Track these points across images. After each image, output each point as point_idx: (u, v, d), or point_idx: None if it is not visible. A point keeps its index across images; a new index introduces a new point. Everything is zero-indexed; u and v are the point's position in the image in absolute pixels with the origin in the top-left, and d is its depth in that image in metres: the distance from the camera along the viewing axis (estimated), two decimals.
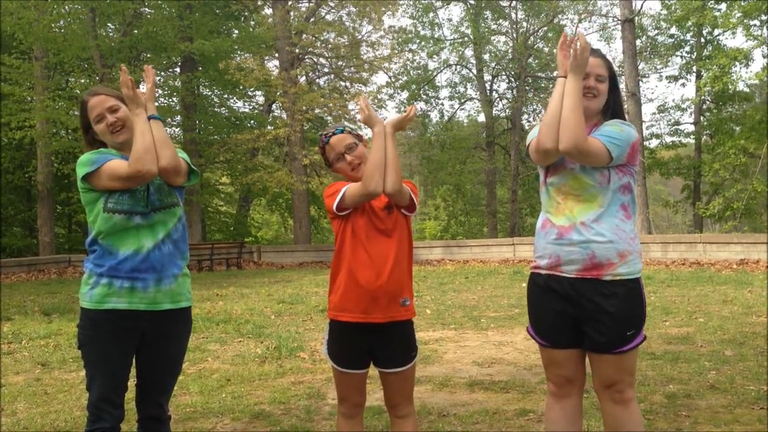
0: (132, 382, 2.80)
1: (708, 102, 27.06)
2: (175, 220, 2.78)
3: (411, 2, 30.11)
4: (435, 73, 31.46)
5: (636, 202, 2.79)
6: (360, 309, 2.72)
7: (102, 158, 2.68)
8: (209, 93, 27.79)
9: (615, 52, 64.02)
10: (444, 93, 44.44)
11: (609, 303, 2.62)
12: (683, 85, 31.36)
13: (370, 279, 2.71)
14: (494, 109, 31.37)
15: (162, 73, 26.19)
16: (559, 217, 2.71)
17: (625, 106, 21.02)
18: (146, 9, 23.72)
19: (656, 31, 28.55)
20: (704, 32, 26.27)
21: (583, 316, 2.67)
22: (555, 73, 2.88)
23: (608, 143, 2.60)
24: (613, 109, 2.79)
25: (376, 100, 24.95)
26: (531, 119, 32.33)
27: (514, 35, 30.03)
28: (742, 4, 20.11)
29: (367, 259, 2.72)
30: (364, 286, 2.71)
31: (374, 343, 2.77)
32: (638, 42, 25.88)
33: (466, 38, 30.74)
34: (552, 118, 2.61)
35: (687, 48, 27.90)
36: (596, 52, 2.76)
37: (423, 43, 30.71)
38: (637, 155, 2.74)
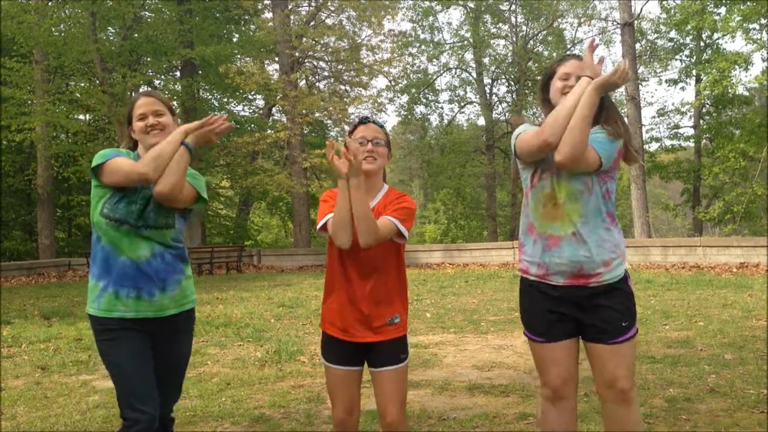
0: None
1: (708, 105, 27.06)
2: (167, 238, 2.80)
3: (411, 6, 30.19)
4: (435, 77, 31.53)
5: (615, 204, 2.82)
6: (349, 329, 2.75)
7: (114, 154, 2.73)
8: (209, 97, 27.82)
9: (615, 55, 63.97)
10: (444, 96, 44.64)
11: (600, 299, 2.70)
12: (683, 88, 31.40)
13: (358, 301, 2.73)
14: (494, 112, 31.39)
15: (162, 77, 26.23)
16: (546, 224, 2.73)
17: (625, 110, 21.06)
18: (146, 13, 23.75)
19: (656, 35, 28.60)
20: (704, 36, 26.29)
21: (576, 311, 2.73)
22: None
23: (600, 150, 2.63)
24: (606, 107, 2.75)
25: (376, 104, 24.96)
26: (531, 123, 32.29)
27: (514, 39, 30.08)
28: (742, 7, 20.15)
29: (355, 282, 2.75)
30: (352, 307, 2.74)
31: (364, 350, 2.79)
32: (638, 46, 25.92)
33: (465, 42, 30.79)
34: (565, 116, 2.58)
35: (686, 52, 27.93)
36: (580, 57, 2.78)
37: (423, 46, 30.78)
38: (620, 160, 2.78)
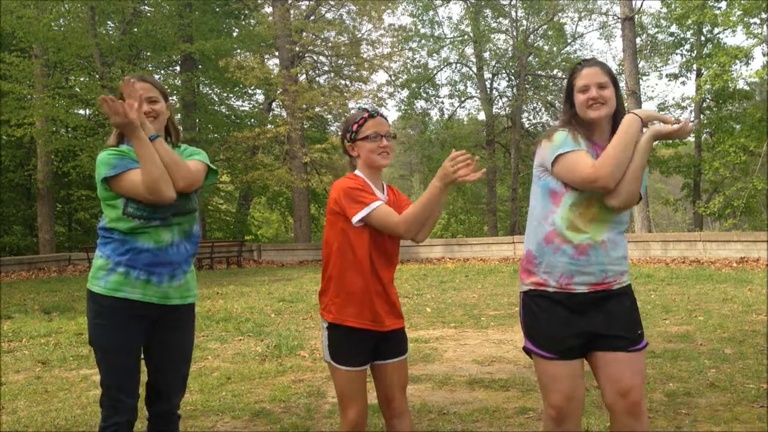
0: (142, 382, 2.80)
1: (708, 100, 27.00)
2: (192, 222, 2.84)
3: (411, 0, 30.10)
4: (435, 72, 31.45)
5: None
6: (381, 318, 2.70)
7: (124, 164, 2.66)
8: (209, 91, 27.76)
9: (615, 50, 63.89)
10: (444, 91, 44.42)
11: (618, 302, 2.67)
12: (683, 83, 31.40)
13: (386, 285, 2.73)
14: (494, 107, 31.34)
15: (162, 72, 26.19)
16: (577, 231, 2.64)
17: (626, 105, 21.03)
18: (146, 7, 23.70)
19: (656, 30, 28.51)
20: (704, 30, 26.22)
21: (594, 322, 2.65)
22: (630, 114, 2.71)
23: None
24: (618, 112, 2.73)
25: (376, 99, 24.92)
26: (531, 117, 32.27)
27: (514, 33, 30.03)
28: (742, 2, 20.09)
29: (380, 269, 2.71)
30: (383, 291, 2.71)
31: (377, 343, 2.74)
32: (638, 40, 25.85)
33: (466, 36, 30.71)
34: (623, 163, 2.56)
35: (687, 46, 27.86)
36: (592, 61, 2.74)
37: (423, 41, 30.68)
38: None
